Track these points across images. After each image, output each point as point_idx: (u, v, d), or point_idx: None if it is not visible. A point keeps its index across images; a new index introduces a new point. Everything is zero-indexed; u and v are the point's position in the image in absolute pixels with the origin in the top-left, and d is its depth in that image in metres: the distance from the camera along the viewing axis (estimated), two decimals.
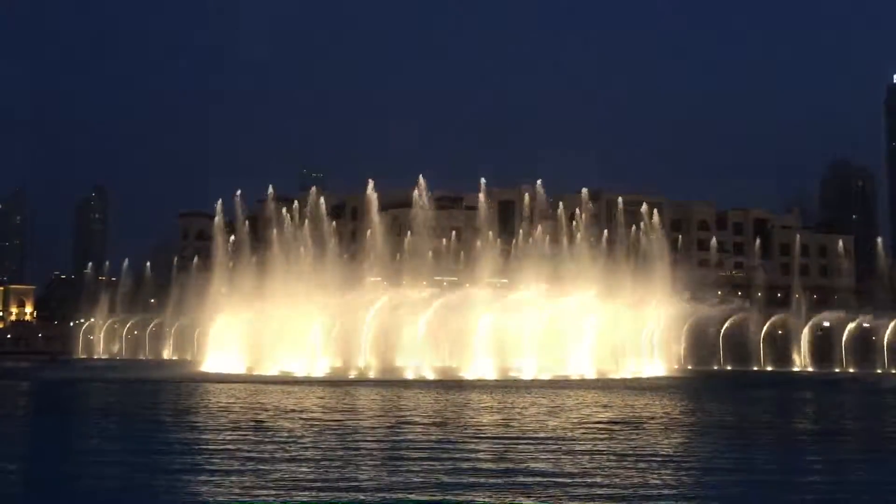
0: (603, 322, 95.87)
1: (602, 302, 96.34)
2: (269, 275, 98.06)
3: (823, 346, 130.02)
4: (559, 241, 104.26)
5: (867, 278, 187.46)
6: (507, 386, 72.71)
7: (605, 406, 51.31)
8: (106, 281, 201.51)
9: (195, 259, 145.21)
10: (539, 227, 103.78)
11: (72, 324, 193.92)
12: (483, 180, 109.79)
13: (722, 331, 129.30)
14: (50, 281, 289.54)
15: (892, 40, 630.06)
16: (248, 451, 29.99)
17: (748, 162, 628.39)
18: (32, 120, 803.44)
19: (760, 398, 66.09)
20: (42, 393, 67.92)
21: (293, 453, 29.56)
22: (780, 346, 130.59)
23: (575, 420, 41.62)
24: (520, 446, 31.26)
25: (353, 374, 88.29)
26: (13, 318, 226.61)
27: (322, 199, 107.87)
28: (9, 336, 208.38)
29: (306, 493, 22.31)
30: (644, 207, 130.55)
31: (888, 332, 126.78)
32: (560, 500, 21.44)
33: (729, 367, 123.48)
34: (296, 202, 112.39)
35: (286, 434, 35.31)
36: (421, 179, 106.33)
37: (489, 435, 34.90)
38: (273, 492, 22.47)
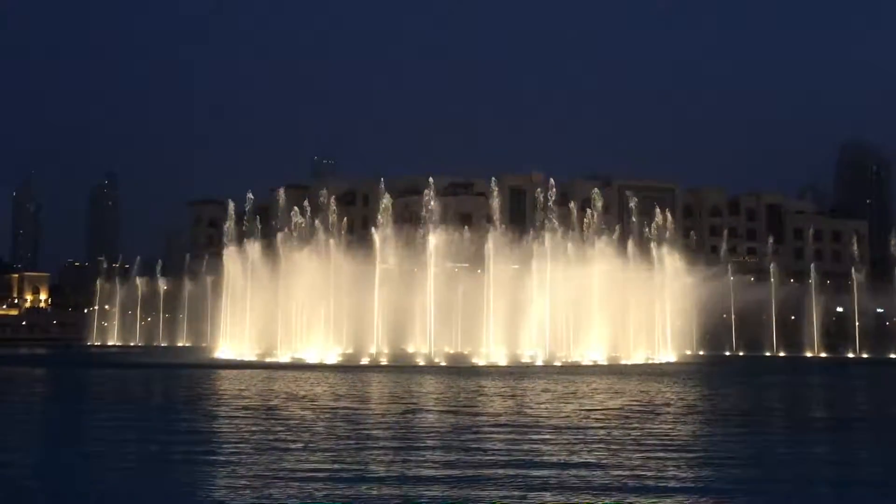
0: (614, 307, 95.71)
1: (614, 287, 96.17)
2: (280, 263, 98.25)
3: (837, 331, 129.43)
4: (571, 228, 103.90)
5: (881, 263, 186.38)
6: (519, 372, 72.72)
7: (617, 392, 51.22)
8: (119, 268, 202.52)
9: (207, 246, 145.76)
10: (550, 215, 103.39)
11: (86, 311, 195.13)
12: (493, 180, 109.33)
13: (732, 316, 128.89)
14: (64, 268, 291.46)
15: None
16: (260, 439, 30.08)
17: (762, 146, 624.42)
18: (45, 107, 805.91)
19: (774, 384, 65.86)
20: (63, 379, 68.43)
21: (304, 441, 29.62)
22: (793, 332, 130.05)
23: (588, 407, 41.48)
24: (533, 434, 31.04)
25: (364, 361, 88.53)
26: (28, 305, 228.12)
27: (333, 200, 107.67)
28: (24, 323, 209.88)
29: (320, 483, 22.33)
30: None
31: None
32: (576, 490, 21.23)
33: (741, 353, 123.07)
34: (307, 202, 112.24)
35: (297, 421, 35.40)
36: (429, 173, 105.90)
37: (502, 422, 34.77)
38: (287, 482, 22.50)
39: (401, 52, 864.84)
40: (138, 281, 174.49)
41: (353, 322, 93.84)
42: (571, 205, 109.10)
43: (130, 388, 57.21)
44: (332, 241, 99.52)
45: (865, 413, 45.42)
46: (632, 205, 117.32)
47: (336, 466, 24.23)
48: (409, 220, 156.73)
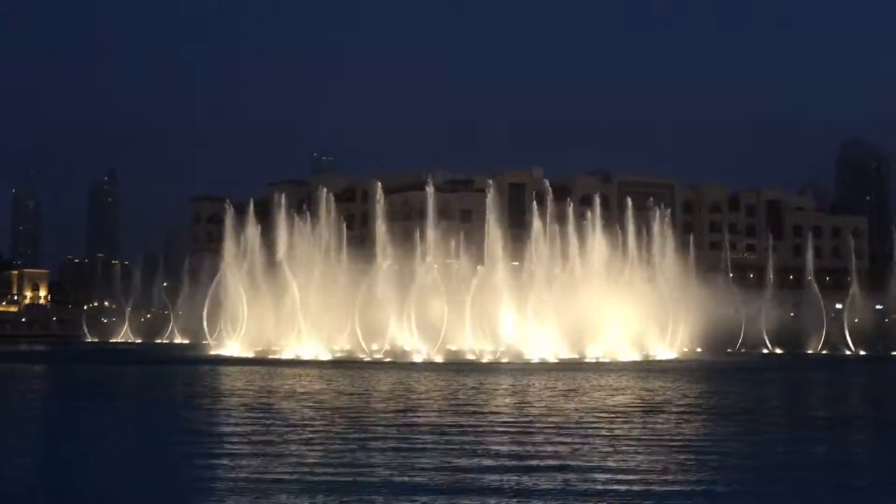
0: (616, 305, 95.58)
1: (615, 285, 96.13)
2: (279, 259, 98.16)
3: (836, 329, 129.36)
4: (569, 223, 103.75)
5: (880, 260, 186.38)
6: (520, 369, 72.68)
7: (619, 389, 51.11)
8: (119, 265, 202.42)
9: (207, 243, 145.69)
10: (549, 212, 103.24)
11: (86, 308, 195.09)
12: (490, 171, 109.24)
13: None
14: (64, 265, 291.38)
15: None
16: (258, 436, 30.05)
17: (762, 142, 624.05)
18: (45, 105, 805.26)
19: (775, 381, 65.84)
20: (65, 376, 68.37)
21: (300, 437, 29.57)
22: (792, 329, 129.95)
23: (591, 405, 41.25)
24: (535, 432, 30.77)
25: (364, 357, 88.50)
26: (27, 301, 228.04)
27: (332, 197, 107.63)
28: (23, 320, 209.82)
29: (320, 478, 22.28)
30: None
31: None
32: (581, 489, 20.94)
33: (742, 350, 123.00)
34: (307, 198, 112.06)
35: (296, 418, 35.36)
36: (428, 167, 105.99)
37: (503, 420, 34.61)
38: (286, 476, 22.47)
39: (401, 51, 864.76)
40: (138, 278, 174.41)
41: (350, 319, 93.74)
42: (569, 201, 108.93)
43: (128, 385, 57.19)
44: (331, 237, 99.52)
45: (864, 411, 45.41)
46: (629, 200, 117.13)
47: (334, 463, 24.17)
48: (408, 216, 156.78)
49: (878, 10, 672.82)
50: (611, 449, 26.87)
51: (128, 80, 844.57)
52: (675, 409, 39.58)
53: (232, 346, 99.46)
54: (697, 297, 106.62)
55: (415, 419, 34.72)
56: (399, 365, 77.87)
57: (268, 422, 33.89)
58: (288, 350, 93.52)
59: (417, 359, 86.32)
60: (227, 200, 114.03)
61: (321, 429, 31.91)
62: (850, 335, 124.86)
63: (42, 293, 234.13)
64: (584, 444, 27.94)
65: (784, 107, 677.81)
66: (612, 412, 37.78)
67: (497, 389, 50.51)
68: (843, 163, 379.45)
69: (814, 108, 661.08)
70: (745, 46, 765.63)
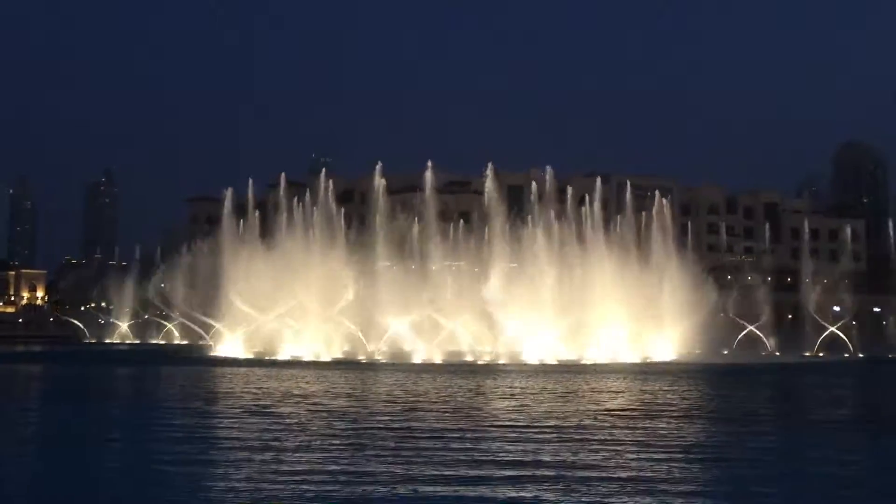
0: (611, 305, 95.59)
1: (613, 285, 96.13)
2: (278, 260, 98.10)
3: (834, 331, 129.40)
4: (568, 225, 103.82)
5: (877, 262, 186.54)
6: (519, 371, 72.64)
7: (618, 392, 51.08)
8: (117, 265, 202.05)
9: (205, 244, 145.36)
10: (550, 212, 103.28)
11: (83, 308, 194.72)
12: (490, 165, 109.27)
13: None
14: (61, 265, 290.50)
15: None
16: (254, 439, 29.98)
17: (760, 144, 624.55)
18: (42, 105, 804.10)
19: (773, 384, 65.85)
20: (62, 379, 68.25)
21: (298, 441, 29.51)
22: (790, 332, 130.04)
23: (590, 408, 41.27)
24: (533, 435, 30.69)
25: (362, 358, 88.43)
26: (24, 302, 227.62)
27: (331, 183, 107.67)
28: (20, 320, 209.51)
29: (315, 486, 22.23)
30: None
31: None
32: (578, 493, 20.90)
33: (739, 352, 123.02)
34: (308, 192, 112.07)
35: (293, 421, 35.29)
36: (429, 164, 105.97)
37: (501, 423, 34.56)
38: (281, 485, 22.42)
39: (400, 52, 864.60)
40: (135, 279, 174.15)
41: (349, 319, 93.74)
42: (569, 199, 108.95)
43: (123, 387, 57.04)
44: (330, 237, 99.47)
45: (859, 413, 45.45)
46: (626, 192, 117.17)
47: (330, 469, 24.13)
48: (406, 217, 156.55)
49: (876, 11, 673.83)
50: (612, 453, 26.81)
51: (125, 79, 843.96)
52: (676, 413, 39.56)
53: (230, 346, 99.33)
54: (695, 299, 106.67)
55: (413, 422, 34.67)
56: (398, 366, 77.82)
57: (264, 425, 33.83)
58: (287, 351, 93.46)
59: (416, 360, 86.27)
60: (225, 198, 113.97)
61: (317, 432, 31.85)
62: (847, 338, 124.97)
63: (39, 294, 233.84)
64: (584, 448, 27.92)
65: (781, 108, 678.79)
66: (613, 415, 37.74)
67: (496, 392, 50.46)
68: (840, 165, 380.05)
69: (811, 109, 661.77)
70: (743, 47, 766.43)
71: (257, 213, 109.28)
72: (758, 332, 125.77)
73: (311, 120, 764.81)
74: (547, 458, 25.71)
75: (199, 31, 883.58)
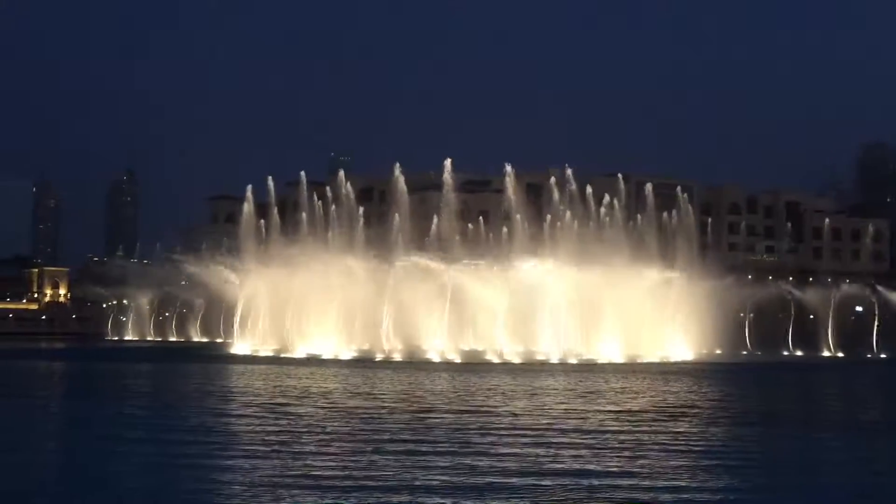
0: (631, 305, 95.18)
1: (630, 284, 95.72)
2: (297, 258, 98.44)
3: (855, 331, 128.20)
4: (588, 224, 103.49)
5: None
6: (534, 370, 72.45)
7: (638, 393, 50.72)
8: (137, 263, 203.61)
9: (225, 241, 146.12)
10: (568, 212, 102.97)
11: (104, 305, 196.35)
12: (508, 167, 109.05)
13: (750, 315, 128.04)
14: (83, 263, 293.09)
15: None
16: (271, 438, 30.08)
17: (782, 143, 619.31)
18: (64, 103, 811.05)
19: (794, 384, 65.29)
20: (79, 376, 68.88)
21: (314, 441, 29.56)
22: (810, 331, 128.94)
23: (610, 409, 40.82)
24: (552, 438, 29.95)
25: (379, 357, 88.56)
26: (47, 299, 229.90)
27: (349, 184, 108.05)
28: (43, 317, 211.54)
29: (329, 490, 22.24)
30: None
31: None
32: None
33: (759, 353, 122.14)
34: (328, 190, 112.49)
35: (310, 420, 35.38)
36: (448, 163, 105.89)
37: (519, 424, 34.05)
38: (296, 489, 22.46)
39: (417, 52, 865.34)
40: (156, 276, 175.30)
41: (368, 318, 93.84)
42: (589, 198, 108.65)
43: (140, 384, 57.35)
44: (348, 236, 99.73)
45: (873, 414, 44.97)
46: (647, 192, 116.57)
47: (343, 474, 24.10)
48: (425, 215, 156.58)
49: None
50: (634, 454, 26.43)
51: (146, 79, 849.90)
52: (698, 413, 39.19)
53: (250, 344, 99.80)
54: (715, 299, 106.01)
55: (429, 422, 34.61)
56: (416, 364, 77.87)
57: (282, 422, 33.94)
58: (306, 348, 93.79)
59: (435, 358, 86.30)
60: (245, 198, 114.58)
61: (335, 430, 31.89)
62: (870, 337, 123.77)
63: (62, 291, 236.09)
64: (605, 448, 27.66)
65: (804, 107, 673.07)
66: (634, 416, 37.45)
67: (515, 391, 50.31)
68: (863, 164, 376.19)
69: (834, 108, 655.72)
70: (765, 46, 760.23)
71: (276, 210, 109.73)
72: (779, 331, 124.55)
73: (332, 119, 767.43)
74: (567, 459, 25.41)
75: (219, 30, 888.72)
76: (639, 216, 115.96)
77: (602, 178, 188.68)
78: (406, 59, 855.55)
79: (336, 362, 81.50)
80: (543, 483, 21.85)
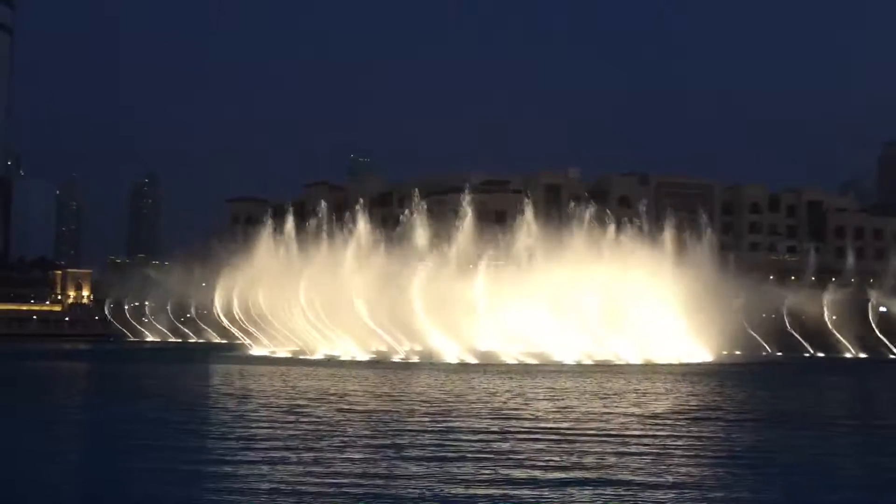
0: (653, 307, 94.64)
1: (651, 285, 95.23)
2: (315, 261, 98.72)
3: (880, 331, 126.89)
4: (608, 223, 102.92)
5: None
6: (553, 371, 72.23)
7: (661, 394, 50.32)
8: (159, 265, 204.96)
9: (245, 243, 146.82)
10: (587, 213, 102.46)
11: (126, 307, 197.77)
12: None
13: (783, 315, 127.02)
14: (106, 265, 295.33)
15: None
16: (285, 441, 30.15)
17: (803, 142, 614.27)
18: (89, 106, 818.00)
19: (817, 386, 64.69)
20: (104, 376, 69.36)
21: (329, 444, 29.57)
22: (834, 332, 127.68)
23: (633, 411, 40.41)
24: (576, 441, 29.43)
25: (397, 358, 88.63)
26: (70, 301, 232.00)
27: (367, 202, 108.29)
28: (66, 319, 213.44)
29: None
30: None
31: None
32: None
33: (779, 353, 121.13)
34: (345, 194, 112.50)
35: (328, 422, 35.41)
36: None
37: (541, 427, 33.53)
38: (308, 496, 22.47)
39: (434, 52, 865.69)
40: (178, 278, 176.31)
41: (386, 319, 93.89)
42: (608, 198, 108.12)
43: (160, 385, 57.58)
44: (366, 240, 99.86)
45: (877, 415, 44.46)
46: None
47: (361, 481, 24.05)
48: (443, 217, 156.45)
49: None
50: (658, 459, 26.08)
51: (168, 83, 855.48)
52: (727, 416, 38.75)
53: (269, 346, 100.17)
54: (737, 299, 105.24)
55: (450, 424, 34.54)
56: (434, 366, 77.86)
57: (298, 424, 34.01)
58: (324, 350, 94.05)
59: (451, 360, 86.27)
60: (266, 202, 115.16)
61: (352, 433, 31.90)
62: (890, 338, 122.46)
63: (85, 292, 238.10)
64: (629, 453, 27.38)
65: (826, 106, 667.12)
66: (657, 419, 37.14)
67: (534, 393, 50.13)
68: (885, 163, 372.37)
69: (856, 107, 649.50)
70: (786, 46, 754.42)
71: (292, 214, 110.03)
72: (800, 332, 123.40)
73: (353, 120, 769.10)
74: (591, 465, 25.09)
75: (239, 32, 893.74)
76: (659, 217, 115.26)
77: (621, 177, 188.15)
78: (423, 59, 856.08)
79: (355, 364, 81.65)
80: (571, 489, 21.49)
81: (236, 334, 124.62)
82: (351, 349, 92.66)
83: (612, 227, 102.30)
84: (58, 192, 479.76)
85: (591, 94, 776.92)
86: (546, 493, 21.03)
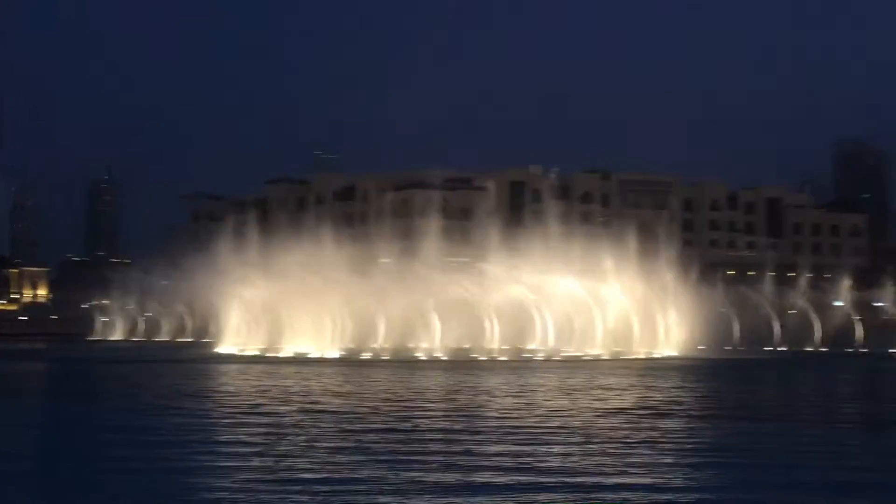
0: (616, 300, 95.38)
1: (613, 281, 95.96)
2: (281, 256, 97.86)
3: (837, 325, 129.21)
4: (571, 220, 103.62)
5: (879, 256, 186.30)
6: (521, 367, 72.45)
7: (624, 389, 50.71)
8: (119, 262, 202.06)
9: (206, 240, 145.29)
10: (550, 209, 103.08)
11: (85, 305, 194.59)
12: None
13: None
14: (63, 263, 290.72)
15: None
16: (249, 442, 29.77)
17: (762, 140, 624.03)
18: (45, 103, 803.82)
19: (781, 380, 65.60)
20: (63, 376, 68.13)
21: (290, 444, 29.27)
22: (793, 326, 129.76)
23: (596, 407, 40.66)
24: (539, 438, 29.54)
25: (366, 355, 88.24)
26: (27, 299, 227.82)
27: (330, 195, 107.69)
28: (21, 318, 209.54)
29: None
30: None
31: None
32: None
33: (741, 348, 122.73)
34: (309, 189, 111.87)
35: (291, 421, 35.07)
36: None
37: (505, 424, 33.54)
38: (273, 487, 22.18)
39: (399, 51, 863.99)
40: (138, 276, 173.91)
41: (355, 316, 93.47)
42: (571, 195, 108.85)
43: (116, 386, 56.57)
44: (331, 235, 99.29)
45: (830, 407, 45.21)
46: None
47: (322, 476, 23.78)
48: (407, 214, 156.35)
49: (876, 8, 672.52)
50: (620, 455, 26.21)
51: (126, 78, 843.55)
52: (688, 411, 39.16)
53: (234, 344, 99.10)
54: (698, 295, 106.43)
55: (414, 421, 34.42)
56: (403, 363, 77.66)
57: (261, 423, 33.62)
58: (291, 348, 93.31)
59: (421, 356, 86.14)
60: (226, 198, 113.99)
61: (312, 431, 31.58)
62: (850, 332, 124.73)
63: (41, 292, 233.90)
64: (592, 449, 27.55)
65: (782, 105, 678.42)
66: (620, 413, 37.39)
67: (499, 389, 50.19)
68: (839, 160, 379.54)
69: (812, 106, 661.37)
70: (743, 46, 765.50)
71: (254, 210, 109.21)
72: (761, 327, 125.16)
73: (317, 117, 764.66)
74: (554, 461, 25.16)
75: (203, 28, 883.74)
76: (621, 213, 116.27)
77: (584, 174, 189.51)
78: (386, 59, 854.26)
79: (322, 361, 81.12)
80: (532, 486, 21.45)
81: (199, 332, 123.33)
82: (321, 347, 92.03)
83: (574, 223, 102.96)
84: (14, 189, 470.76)
85: (556, 93, 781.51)
86: (508, 492, 20.85)
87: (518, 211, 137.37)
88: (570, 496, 20.20)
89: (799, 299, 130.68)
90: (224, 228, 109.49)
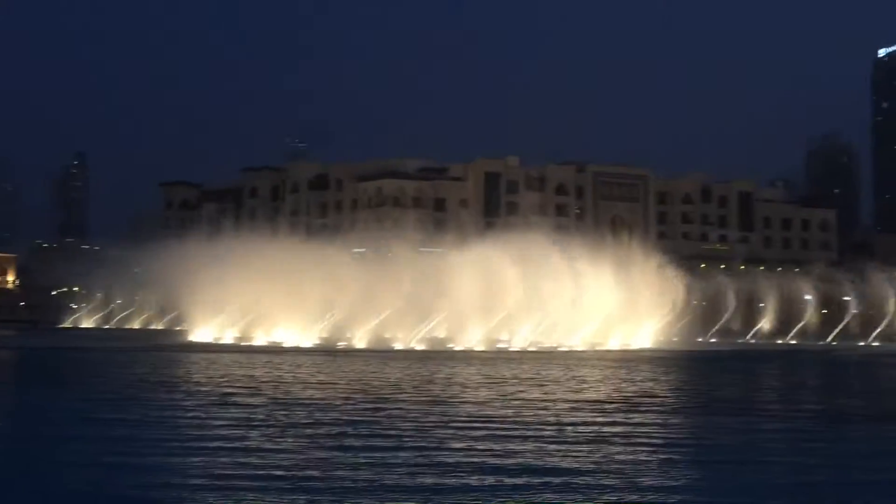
0: (590, 293, 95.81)
1: (589, 271, 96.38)
2: (255, 245, 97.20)
3: (807, 319, 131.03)
4: (546, 212, 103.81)
5: (848, 251, 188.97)
6: (496, 358, 72.51)
7: (598, 381, 50.89)
8: (89, 249, 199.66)
9: (180, 228, 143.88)
10: (525, 199, 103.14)
11: (54, 293, 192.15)
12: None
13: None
14: (32, 249, 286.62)
15: (878, 14, 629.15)
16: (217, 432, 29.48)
17: (736, 135, 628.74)
18: (13, 87, 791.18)
19: (750, 373, 66.21)
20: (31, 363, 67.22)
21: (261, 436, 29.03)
22: (763, 320, 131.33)
23: (571, 398, 40.66)
24: (514, 429, 29.19)
25: (341, 345, 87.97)
26: None
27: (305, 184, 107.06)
28: None
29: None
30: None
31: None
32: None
33: (713, 340, 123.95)
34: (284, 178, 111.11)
35: (261, 411, 34.81)
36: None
37: (479, 415, 33.40)
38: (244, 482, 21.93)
39: (373, 42, 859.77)
40: (109, 263, 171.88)
41: (330, 306, 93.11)
42: (546, 186, 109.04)
43: (82, 373, 55.83)
44: (304, 224, 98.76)
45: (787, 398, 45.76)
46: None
47: (288, 474, 23.58)
48: (381, 203, 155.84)
49: (846, 8, 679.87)
50: (594, 447, 26.12)
51: (98, 64, 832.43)
52: (663, 403, 39.37)
53: (206, 332, 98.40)
54: (671, 287, 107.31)
55: (384, 412, 34.25)
56: (378, 353, 77.46)
57: (229, 413, 33.33)
58: (266, 337, 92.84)
59: (397, 346, 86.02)
60: (200, 185, 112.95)
61: (282, 424, 31.34)
62: (820, 325, 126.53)
63: (10, 278, 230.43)
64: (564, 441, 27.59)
65: (756, 101, 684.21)
66: (596, 406, 37.42)
67: (471, 380, 50.18)
68: (812, 157, 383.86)
69: (785, 102, 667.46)
70: (717, 42, 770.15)
71: (231, 197, 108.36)
72: (734, 320, 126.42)
73: (293, 106, 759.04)
74: (528, 461, 24.91)
75: (172, 15, 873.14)
76: (595, 205, 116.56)
77: (559, 167, 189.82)
78: (360, 49, 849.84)
79: (297, 351, 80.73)
80: (505, 480, 21.12)
81: (173, 320, 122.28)
82: (296, 336, 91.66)
83: (548, 214, 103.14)
84: None
85: (530, 85, 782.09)
86: (480, 482, 20.65)
87: (493, 202, 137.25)
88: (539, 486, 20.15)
89: (768, 293, 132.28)
90: (198, 216, 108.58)
